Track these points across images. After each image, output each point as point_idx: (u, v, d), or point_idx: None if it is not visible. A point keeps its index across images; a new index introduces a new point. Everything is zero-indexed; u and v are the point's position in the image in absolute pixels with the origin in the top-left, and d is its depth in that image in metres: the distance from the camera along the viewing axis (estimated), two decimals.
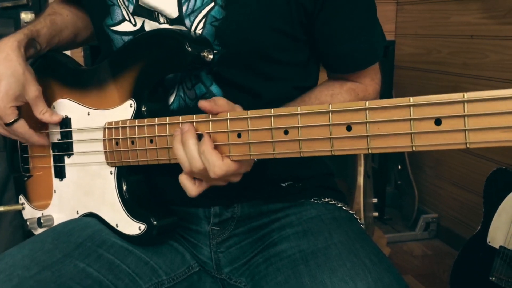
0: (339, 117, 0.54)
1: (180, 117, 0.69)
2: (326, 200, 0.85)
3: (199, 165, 0.64)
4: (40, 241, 0.76)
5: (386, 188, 2.41)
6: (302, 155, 0.58)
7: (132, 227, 0.77)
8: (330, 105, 0.55)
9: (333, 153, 0.56)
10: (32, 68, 0.92)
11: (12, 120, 0.82)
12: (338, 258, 0.69)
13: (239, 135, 0.63)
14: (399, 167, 2.43)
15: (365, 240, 0.76)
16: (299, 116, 0.58)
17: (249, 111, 0.62)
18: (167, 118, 0.70)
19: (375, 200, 1.92)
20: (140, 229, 0.76)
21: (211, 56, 0.71)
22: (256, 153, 0.62)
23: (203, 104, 0.65)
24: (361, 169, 1.76)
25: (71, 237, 0.77)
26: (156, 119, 0.72)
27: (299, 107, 0.58)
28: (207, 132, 0.65)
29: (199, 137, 0.66)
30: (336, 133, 0.55)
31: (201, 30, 0.76)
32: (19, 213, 1.01)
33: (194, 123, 0.67)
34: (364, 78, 0.86)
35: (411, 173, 2.38)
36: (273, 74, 0.81)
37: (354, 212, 0.86)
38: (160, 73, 0.75)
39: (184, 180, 0.68)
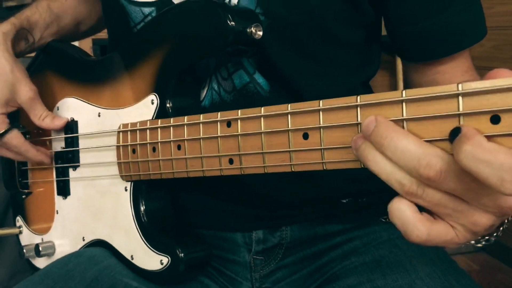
0: None
1: (219, 113, 0.51)
2: None
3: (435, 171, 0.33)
4: None
5: None
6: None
7: (151, 260, 0.60)
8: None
9: None
10: (34, 64, 0.78)
11: (3, 131, 0.68)
12: None
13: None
14: None
15: (458, 272, 0.59)
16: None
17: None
18: (201, 116, 0.53)
19: None
20: (162, 263, 0.59)
21: (260, 33, 0.53)
22: None
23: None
24: None
25: (69, 283, 0.59)
26: (186, 117, 0.54)
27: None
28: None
29: None
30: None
31: None
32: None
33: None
34: (452, 70, 0.63)
35: None
36: (326, 57, 0.62)
37: None
38: (190, 58, 0.57)
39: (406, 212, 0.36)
